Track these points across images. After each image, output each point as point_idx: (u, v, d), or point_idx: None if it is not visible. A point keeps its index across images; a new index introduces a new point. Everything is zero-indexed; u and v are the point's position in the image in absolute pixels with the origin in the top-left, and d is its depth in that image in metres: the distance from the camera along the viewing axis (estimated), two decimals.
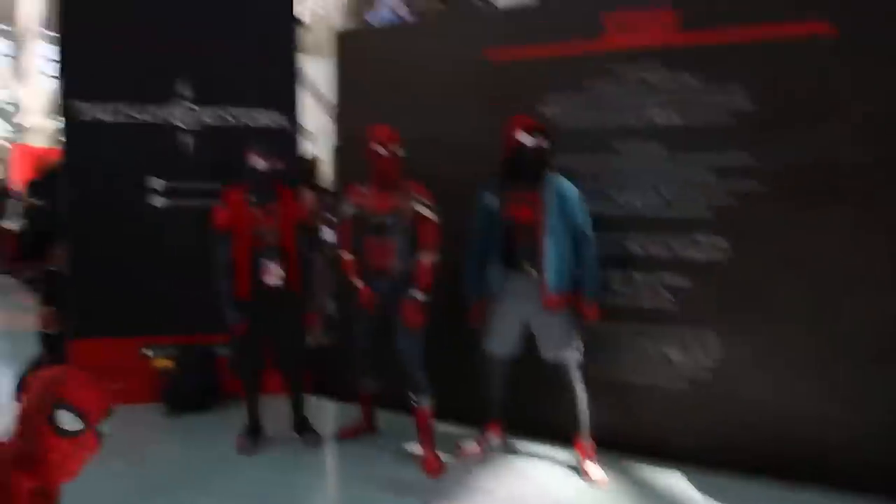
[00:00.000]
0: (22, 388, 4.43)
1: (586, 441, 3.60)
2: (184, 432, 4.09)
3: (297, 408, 3.94)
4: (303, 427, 3.93)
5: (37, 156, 12.40)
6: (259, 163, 3.65)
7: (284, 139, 4.47)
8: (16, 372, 4.65)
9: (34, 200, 6.86)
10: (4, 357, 5.96)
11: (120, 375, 4.47)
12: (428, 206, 3.58)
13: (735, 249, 3.53)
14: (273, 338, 3.79)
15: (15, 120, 19.45)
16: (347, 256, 3.68)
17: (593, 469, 3.50)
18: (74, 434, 1.63)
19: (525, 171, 3.50)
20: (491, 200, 3.55)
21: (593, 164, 3.83)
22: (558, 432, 3.82)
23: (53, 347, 4.70)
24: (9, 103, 19.87)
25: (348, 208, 3.75)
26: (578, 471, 3.56)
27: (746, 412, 3.52)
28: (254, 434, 3.89)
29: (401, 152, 3.58)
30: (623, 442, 3.78)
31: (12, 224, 9.09)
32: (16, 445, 1.62)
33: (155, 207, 4.54)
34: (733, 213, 3.53)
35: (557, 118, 3.87)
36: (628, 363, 3.80)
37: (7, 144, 20.06)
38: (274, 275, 3.69)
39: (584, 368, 3.61)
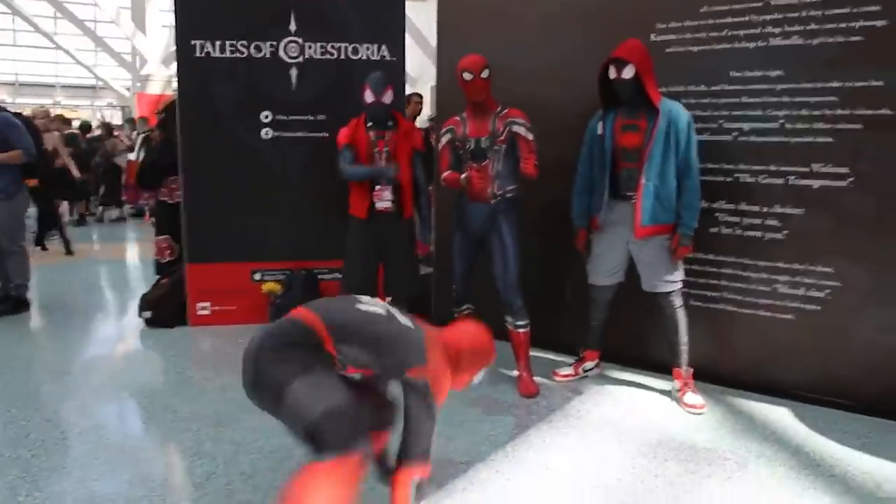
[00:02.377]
0: (144, 307, 4.82)
1: (685, 371, 3.54)
2: None
3: None
4: None
5: (156, 102, 13.17)
6: (370, 96, 3.78)
7: (391, 72, 4.52)
8: (135, 294, 5.05)
9: (152, 134, 7.32)
10: (131, 282, 6.47)
11: (232, 298, 4.81)
12: (526, 127, 3.55)
13: (855, 178, 3.32)
14: (384, 262, 3.93)
15: (138, 70, 20.59)
16: (449, 173, 3.72)
17: (691, 398, 3.45)
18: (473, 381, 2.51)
19: (622, 97, 3.40)
20: (599, 127, 3.49)
21: (704, 91, 3.67)
22: (656, 362, 3.80)
23: (168, 273, 5.07)
24: (130, 54, 21.05)
25: (445, 135, 3.78)
26: (676, 400, 3.52)
27: (857, 347, 3.37)
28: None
29: (489, 77, 3.55)
30: (724, 374, 3.71)
31: (135, 157, 9.77)
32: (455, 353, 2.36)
33: (264, 139, 4.72)
34: (856, 140, 3.30)
35: (668, 44, 3.73)
36: (733, 294, 3.68)
37: (129, 93, 21.37)
38: (384, 199, 3.83)
39: (686, 298, 3.54)
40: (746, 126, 3.56)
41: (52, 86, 25.13)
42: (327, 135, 4.54)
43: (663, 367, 3.70)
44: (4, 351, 4.33)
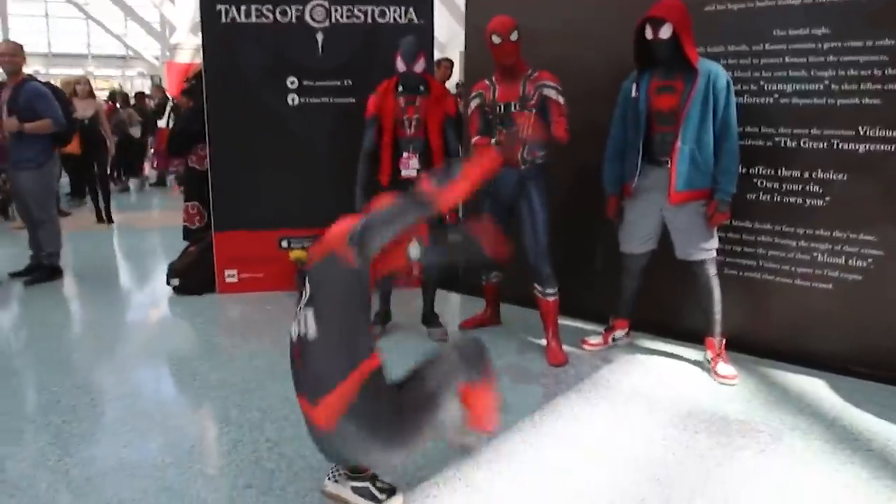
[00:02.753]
0: (172, 274, 4.86)
1: (718, 340, 3.45)
2: None
3: (428, 300, 4.04)
4: (431, 319, 4.03)
5: (185, 70, 13.19)
6: (401, 64, 3.67)
7: (419, 36, 4.42)
8: (165, 261, 5.08)
9: (181, 101, 7.32)
10: (158, 250, 6.52)
11: (259, 265, 4.82)
12: (557, 90, 3.44)
13: None
14: None
15: (167, 39, 20.65)
16: (479, 138, 3.63)
17: (724, 368, 3.37)
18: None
19: (659, 57, 3.27)
20: (633, 89, 3.36)
21: (745, 51, 3.51)
22: (688, 331, 3.72)
23: (196, 240, 5.09)
24: (160, 23, 21.09)
25: (474, 99, 3.69)
26: (708, 370, 3.44)
27: None
28: (383, 319, 4.06)
29: (519, 39, 3.43)
30: (758, 344, 3.62)
31: (165, 125, 9.82)
32: None
33: (290, 106, 4.66)
34: None
35: (707, 2, 3.57)
36: (769, 262, 3.57)
37: (159, 62, 21.47)
38: (409, 166, 3.74)
39: (720, 266, 3.44)
40: (789, 87, 3.42)
41: (83, 56, 25.32)
42: (354, 100, 4.48)
43: (695, 337, 3.61)
44: (37, 318, 4.40)
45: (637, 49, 3.33)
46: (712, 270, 3.39)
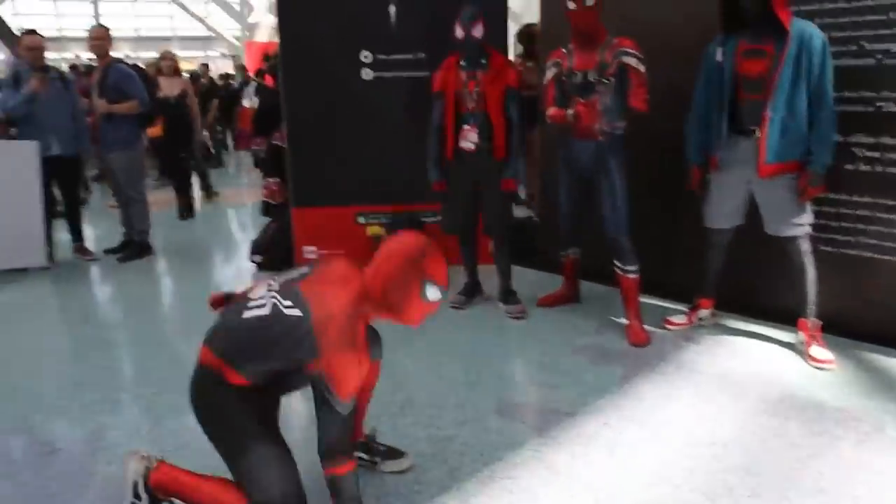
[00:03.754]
0: (255, 251, 4.98)
1: (812, 322, 3.26)
2: None
3: (504, 276, 4.00)
4: (507, 296, 3.99)
5: (264, 49, 13.44)
6: (459, 31, 3.63)
7: (493, 4, 4.32)
8: (250, 238, 5.21)
9: (263, 81, 7.43)
10: (241, 226, 6.71)
11: (337, 241, 4.87)
12: (637, 58, 3.30)
13: None
14: (480, 202, 3.85)
15: (247, 19, 21.10)
16: (554, 109, 3.54)
17: (819, 352, 3.18)
18: (433, 302, 2.00)
19: (747, 18, 3.07)
20: (719, 54, 3.18)
21: (844, 8, 3.26)
22: (779, 312, 3.53)
23: (277, 216, 5.19)
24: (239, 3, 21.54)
25: (551, 69, 3.58)
26: (801, 353, 3.26)
27: None
28: (469, 291, 4.09)
29: (595, 4, 3.29)
30: (857, 326, 3.40)
31: (250, 104, 9.93)
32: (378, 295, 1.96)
33: (364, 80, 4.66)
34: None
35: None
36: (869, 238, 3.34)
37: (239, 42, 21.97)
38: (469, 139, 3.72)
39: (815, 242, 3.24)
40: (894, 47, 3.15)
41: (168, 38, 26.21)
42: (428, 74, 4.43)
43: (786, 318, 3.42)
44: (130, 294, 4.60)
45: (723, 10, 3.14)
46: (806, 247, 3.19)
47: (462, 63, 3.73)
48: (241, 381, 1.98)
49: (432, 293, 1.97)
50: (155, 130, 6.25)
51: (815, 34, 2.98)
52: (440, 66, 3.84)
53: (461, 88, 3.71)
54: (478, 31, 3.62)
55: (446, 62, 3.82)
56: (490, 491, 2.27)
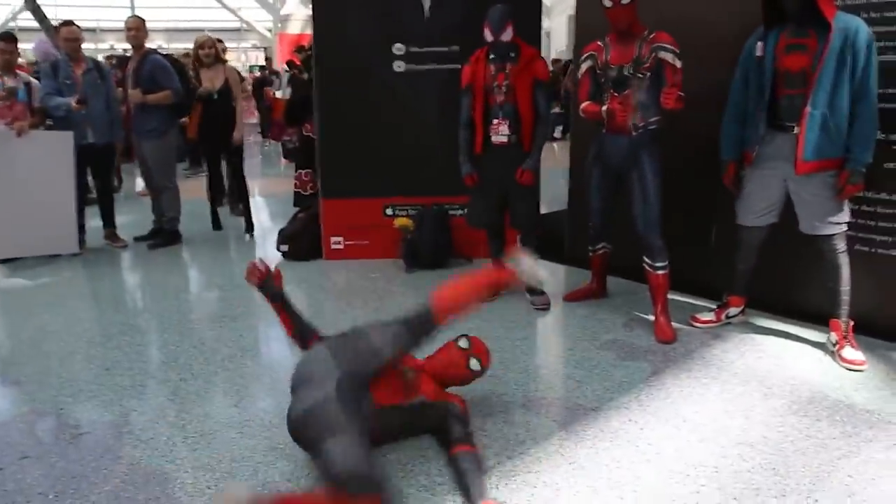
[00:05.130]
0: (282, 241, 5.00)
1: (844, 322, 3.19)
2: (417, 285, 4.30)
3: None
4: (532, 287, 3.96)
5: (296, 41, 13.52)
6: (489, 34, 3.61)
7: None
8: (278, 228, 5.25)
9: (296, 72, 7.44)
10: (271, 215, 6.76)
11: (365, 233, 4.89)
12: (674, 53, 3.25)
13: None
14: (507, 196, 3.83)
15: (279, 11, 21.22)
16: (588, 103, 3.51)
17: (851, 353, 3.11)
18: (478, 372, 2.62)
19: (789, 11, 3.00)
20: (759, 48, 3.11)
21: (891, 2, 3.18)
22: (810, 311, 3.46)
23: (307, 207, 5.22)
24: None
25: (586, 61, 3.54)
26: (832, 354, 3.19)
27: None
28: None
29: (632, 1, 3.25)
30: (891, 327, 3.33)
31: (282, 95, 9.97)
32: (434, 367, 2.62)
33: (396, 72, 4.66)
34: None
35: None
36: None
37: (271, 34, 22.13)
38: (501, 133, 3.71)
39: (850, 242, 3.17)
40: None
41: (201, 30, 26.47)
42: (460, 66, 4.41)
43: (818, 318, 3.36)
44: (160, 280, 4.66)
45: (765, 3, 3.07)
46: (841, 246, 3.12)
47: (491, 56, 3.72)
48: None
49: (475, 365, 2.61)
50: (190, 130, 5.95)
51: (861, 28, 2.90)
52: (469, 60, 3.83)
53: (490, 82, 3.70)
54: (507, 36, 3.60)
55: (475, 55, 3.80)
56: (513, 484, 2.26)
